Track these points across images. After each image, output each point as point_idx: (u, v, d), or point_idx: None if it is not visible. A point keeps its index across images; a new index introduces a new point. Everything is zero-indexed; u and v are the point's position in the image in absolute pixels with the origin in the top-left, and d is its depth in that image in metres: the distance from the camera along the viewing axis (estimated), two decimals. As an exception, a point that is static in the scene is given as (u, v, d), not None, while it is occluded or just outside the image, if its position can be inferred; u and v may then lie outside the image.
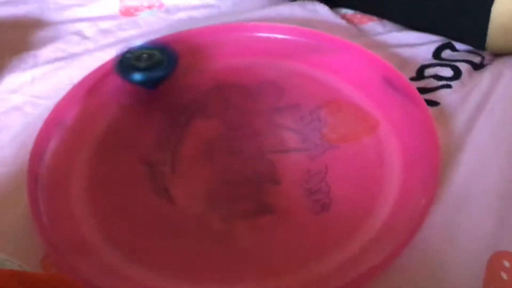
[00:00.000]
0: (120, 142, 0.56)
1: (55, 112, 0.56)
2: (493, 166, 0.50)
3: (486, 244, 0.45)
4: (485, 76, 0.58)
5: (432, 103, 0.56)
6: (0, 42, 0.68)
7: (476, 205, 0.47)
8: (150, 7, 0.72)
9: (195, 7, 0.72)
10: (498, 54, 0.62)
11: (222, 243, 0.48)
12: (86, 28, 0.69)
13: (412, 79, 0.59)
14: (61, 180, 0.52)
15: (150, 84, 0.59)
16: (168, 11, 0.72)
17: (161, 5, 0.72)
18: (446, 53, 0.62)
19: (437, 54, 0.62)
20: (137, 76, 0.58)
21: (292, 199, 0.50)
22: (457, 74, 0.59)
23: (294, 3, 0.71)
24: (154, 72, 0.58)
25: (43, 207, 0.49)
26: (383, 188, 0.50)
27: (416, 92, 0.55)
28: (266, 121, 0.56)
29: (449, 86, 0.58)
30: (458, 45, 0.63)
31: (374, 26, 0.68)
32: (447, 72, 0.59)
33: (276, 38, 0.64)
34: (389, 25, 0.67)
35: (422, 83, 0.59)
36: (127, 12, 0.72)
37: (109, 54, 0.63)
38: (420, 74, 0.60)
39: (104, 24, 0.70)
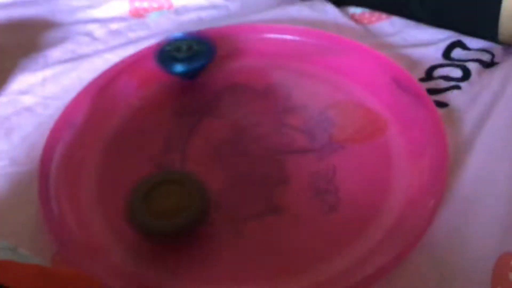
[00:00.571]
0: (130, 143, 0.56)
1: (65, 112, 0.57)
2: (502, 168, 0.49)
3: (494, 245, 0.45)
4: (495, 77, 0.57)
5: (441, 104, 0.56)
6: (11, 43, 0.68)
7: (484, 206, 0.47)
8: (159, 8, 0.73)
9: (204, 8, 0.72)
10: (508, 52, 0.61)
11: (230, 243, 0.48)
12: (96, 29, 0.69)
13: (421, 79, 0.59)
14: (72, 180, 0.52)
15: (191, 74, 0.60)
16: (177, 12, 0.72)
17: (170, 6, 0.73)
18: (456, 52, 0.62)
19: (447, 53, 0.62)
20: (179, 67, 0.59)
21: (300, 199, 0.50)
22: (467, 74, 0.59)
23: (302, 3, 0.71)
24: (195, 63, 0.59)
25: (54, 207, 0.50)
26: (391, 189, 0.50)
27: (425, 93, 0.55)
28: (275, 122, 0.57)
29: (458, 87, 0.58)
30: (469, 43, 0.63)
31: (383, 26, 0.67)
32: (456, 72, 0.59)
33: (285, 39, 0.64)
34: (398, 24, 0.67)
35: (431, 84, 0.59)
36: (137, 13, 0.72)
37: (118, 55, 0.64)
38: (429, 74, 0.60)
39: (114, 25, 0.70)
